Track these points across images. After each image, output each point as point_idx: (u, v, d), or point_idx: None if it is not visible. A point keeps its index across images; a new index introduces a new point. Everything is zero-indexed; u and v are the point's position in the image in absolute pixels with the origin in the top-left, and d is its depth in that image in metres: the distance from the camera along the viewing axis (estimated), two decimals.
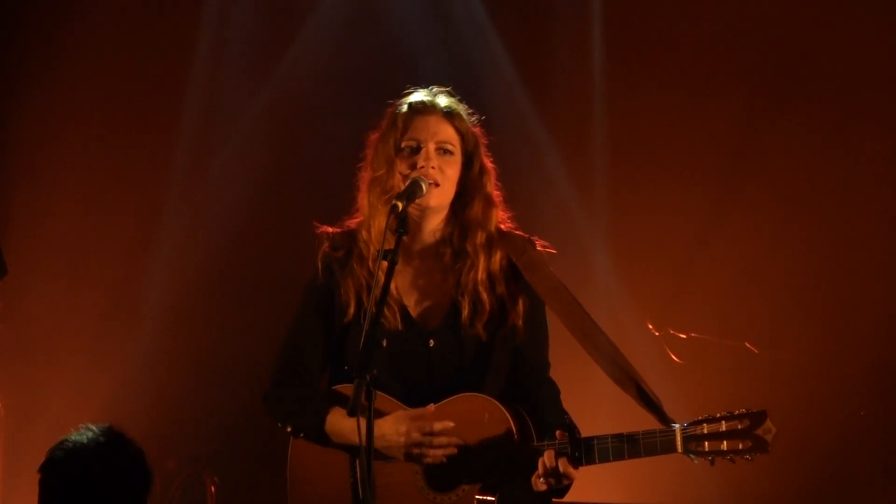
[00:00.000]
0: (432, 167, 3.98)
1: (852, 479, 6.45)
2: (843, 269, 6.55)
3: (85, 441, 3.29)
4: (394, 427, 3.90)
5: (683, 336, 6.51)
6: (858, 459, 6.44)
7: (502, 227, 4.12)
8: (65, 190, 6.91)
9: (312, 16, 6.94)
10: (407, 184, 3.94)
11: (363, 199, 4.09)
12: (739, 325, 6.51)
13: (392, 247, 3.76)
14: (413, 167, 3.98)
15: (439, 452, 3.90)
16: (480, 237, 4.06)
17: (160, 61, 6.94)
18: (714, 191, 6.70)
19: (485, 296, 4.03)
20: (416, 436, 3.90)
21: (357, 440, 3.68)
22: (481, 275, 4.03)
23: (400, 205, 3.84)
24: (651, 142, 6.80)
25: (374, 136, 4.12)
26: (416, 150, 4.01)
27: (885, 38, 6.57)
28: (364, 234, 4.07)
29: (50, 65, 6.92)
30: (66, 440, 3.30)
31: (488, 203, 4.09)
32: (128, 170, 6.93)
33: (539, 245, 4.11)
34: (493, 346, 4.02)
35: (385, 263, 3.75)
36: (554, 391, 4.11)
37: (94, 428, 3.32)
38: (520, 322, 4.04)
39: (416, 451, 3.90)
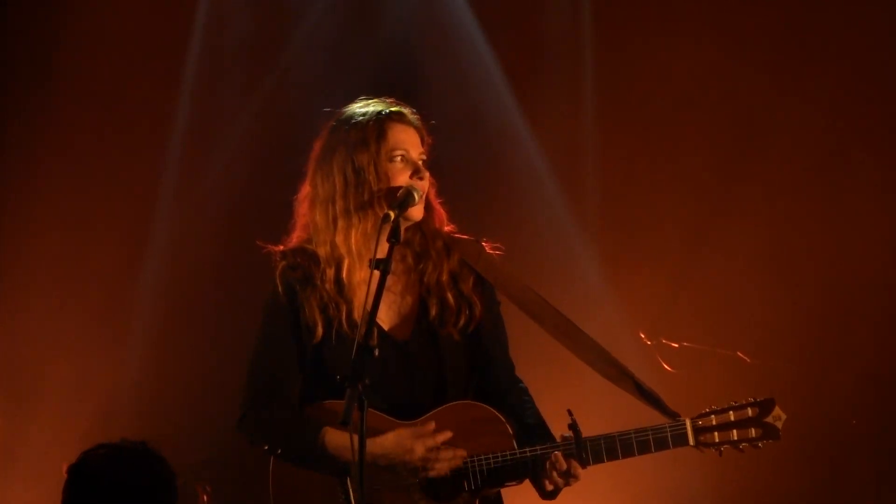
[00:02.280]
0: (420, 178, 4.01)
1: (844, 487, 6.45)
2: (835, 279, 6.55)
3: (118, 450, 3.29)
4: (397, 444, 3.89)
5: (675, 345, 6.51)
6: (850, 468, 6.45)
7: (448, 231, 4.12)
8: (55, 199, 6.89)
9: (305, 20, 6.94)
10: (400, 193, 3.94)
11: (321, 215, 4.05)
12: (732, 335, 6.51)
13: (385, 256, 3.77)
14: (415, 176, 3.99)
15: (445, 466, 3.91)
16: (439, 242, 4.07)
17: (151, 70, 6.92)
18: (706, 199, 6.70)
19: (449, 294, 4.03)
20: (421, 451, 3.90)
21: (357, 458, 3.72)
22: (444, 275, 4.04)
23: (392, 214, 3.85)
24: (643, 150, 6.80)
25: (327, 145, 4.08)
26: (408, 162, 4.01)
27: (878, 46, 6.58)
28: (324, 249, 4.04)
29: (40, 69, 6.90)
30: (102, 445, 3.32)
31: (437, 208, 4.11)
32: (118, 178, 6.91)
33: (489, 247, 4.12)
34: (465, 344, 4.03)
35: (377, 273, 3.75)
36: (526, 391, 4.13)
37: (130, 440, 3.33)
38: (484, 314, 4.04)
39: (421, 465, 3.90)
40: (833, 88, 6.61)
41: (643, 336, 6.54)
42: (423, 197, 4.02)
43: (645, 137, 6.78)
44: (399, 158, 4.01)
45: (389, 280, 3.92)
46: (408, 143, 4.02)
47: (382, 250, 3.81)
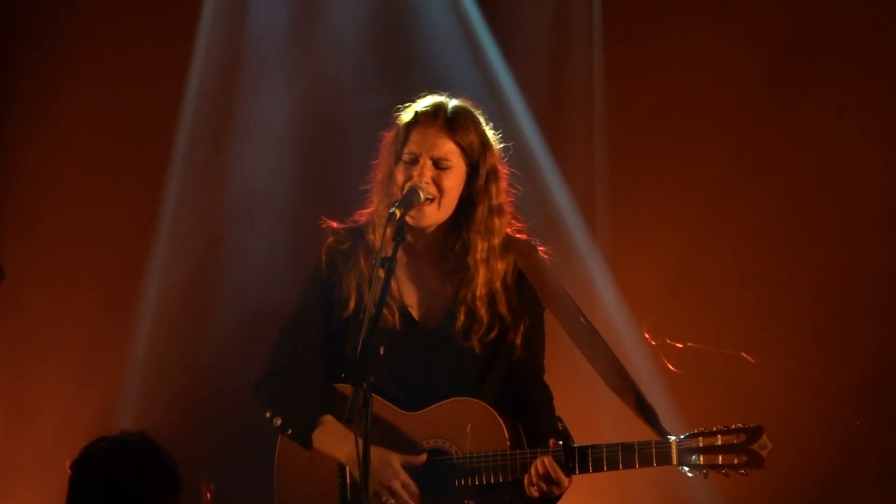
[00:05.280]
0: (426, 182, 3.99)
1: (848, 488, 6.44)
2: (840, 279, 6.54)
3: (119, 442, 3.29)
4: (380, 469, 3.92)
5: (680, 345, 6.51)
6: (855, 469, 6.44)
7: (508, 231, 4.13)
8: (62, 192, 6.89)
9: (324, 19, 6.94)
10: (404, 192, 3.95)
11: (374, 197, 4.12)
12: (736, 335, 6.51)
13: (389, 254, 3.78)
14: (408, 179, 3.99)
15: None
16: (482, 250, 4.06)
17: (159, 59, 6.91)
18: (711, 198, 6.69)
19: (482, 311, 4.04)
20: (395, 484, 3.94)
21: (338, 456, 3.87)
22: (480, 290, 4.04)
23: (398, 213, 3.87)
24: (649, 149, 6.79)
25: (388, 136, 4.15)
26: (414, 162, 4.01)
27: (883, 42, 6.57)
28: (371, 230, 4.08)
29: (44, 65, 6.89)
30: (102, 439, 3.31)
31: (493, 212, 4.08)
32: (125, 171, 6.91)
33: (540, 250, 4.13)
34: (489, 356, 4.03)
35: (382, 270, 3.77)
36: (547, 395, 4.14)
37: (130, 432, 3.33)
38: (518, 340, 4.06)
39: (382, 491, 3.94)
40: (842, 88, 6.60)
41: (647, 336, 6.53)
42: (436, 200, 4.00)
43: (653, 134, 6.77)
44: (407, 162, 4.02)
45: (429, 273, 4.02)
46: (424, 145, 4.02)
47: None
